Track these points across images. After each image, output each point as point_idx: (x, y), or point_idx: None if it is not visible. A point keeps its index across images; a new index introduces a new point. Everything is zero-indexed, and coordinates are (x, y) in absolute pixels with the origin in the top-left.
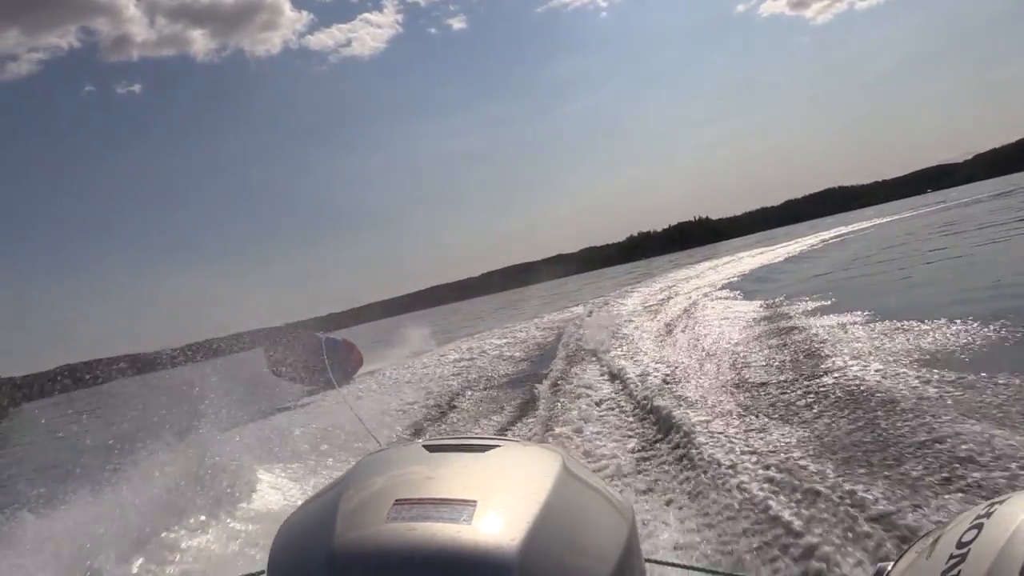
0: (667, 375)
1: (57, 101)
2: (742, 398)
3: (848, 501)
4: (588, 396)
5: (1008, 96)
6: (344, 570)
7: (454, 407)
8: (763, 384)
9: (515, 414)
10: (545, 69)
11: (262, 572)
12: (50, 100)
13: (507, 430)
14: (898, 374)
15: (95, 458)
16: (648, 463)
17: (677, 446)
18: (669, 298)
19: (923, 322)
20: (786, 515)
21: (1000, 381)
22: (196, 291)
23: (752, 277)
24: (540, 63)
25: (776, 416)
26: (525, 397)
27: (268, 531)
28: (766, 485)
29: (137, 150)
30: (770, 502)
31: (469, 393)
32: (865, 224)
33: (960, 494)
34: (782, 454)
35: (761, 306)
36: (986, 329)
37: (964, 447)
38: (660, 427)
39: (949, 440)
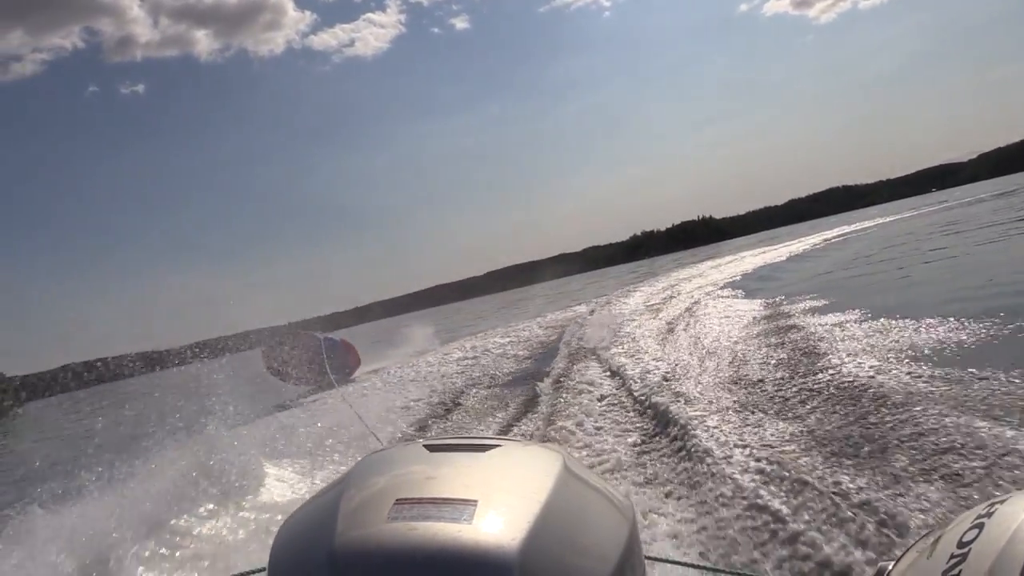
0: (667, 372)
1: (61, 101)
2: (740, 394)
3: (833, 490)
4: (590, 392)
5: (1011, 95)
6: (345, 569)
7: (457, 405)
8: (760, 381)
9: (517, 411)
10: (548, 69)
11: (262, 571)
12: (54, 100)
13: (510, 427)
14: (890, 371)
15: (103, 454)
16: (648, 456)
17: (675, 439)
18: (671, 297)
19: (917, 320)
20: (775, 504)
21: (986, 376)
22: (199, 290)
23: (754, 276)
24: (543, 63)
25: (771, 411)
26: (527, 395)
27: (275, 521)
28: (757, 476)
29: (141, 150)
30: (761, 491)
31: (472, 391)
32: (868, 224)
33: (941, 482)
34: (775, 447)
35: (762, 305)
36: (976, 327)
37: (947, 439)
38: (660, 422)
39: (934, 433)
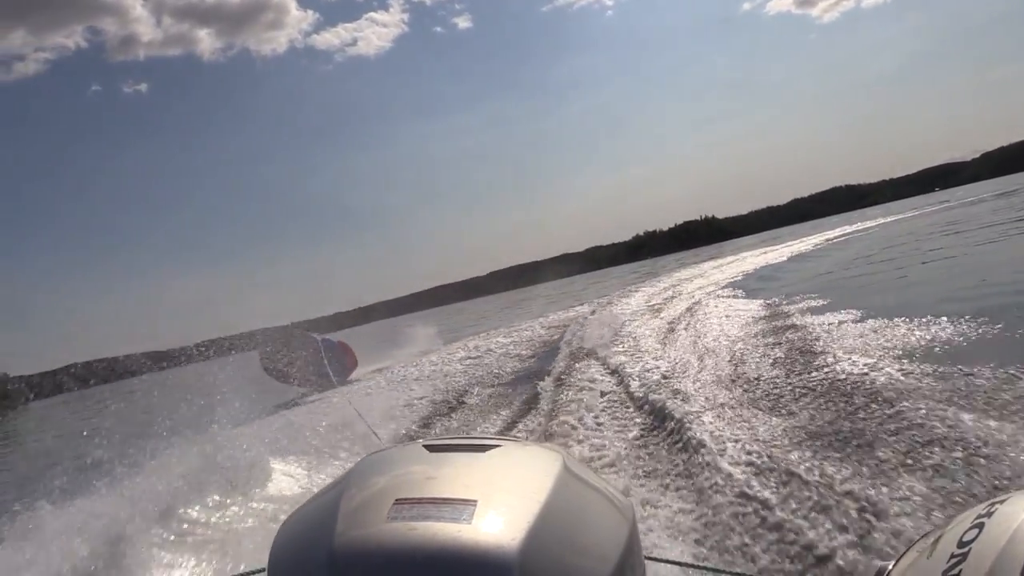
0: (667, 370)
1: (64, 101)
2: (737, 391)
3: (819, 480)
4: (590, 390)
5: (1013, 95)
6: (345, 569)
7: (460, 404)
8: (756, 379)
9: (519, 410)
10: (550, 68)
11: (263, 571)
12: (57, 100)
13: (513, 424)
14: (882, 368)
15: (110, 452)
16: (646, 449)
17: (673, 433)
18: (672, 297)
19: (911, 319)
20: (765, 493)
21: (972, 373)
22: (203, 291)
23: (755, 276)
24: (545, 62)
25: (766, 408)
26: (529, 393)
27: (283, 510)
28: (748, 468)
29: (144, 149)
30: (752, 481)
31: (475, 390)
32: (870, 224)
33: (921, 472)
34: (767, 441)
35: (762, 305)
36: (966, 326)
37: (931, 432)
38: (658, 417)
39: (919, 426)
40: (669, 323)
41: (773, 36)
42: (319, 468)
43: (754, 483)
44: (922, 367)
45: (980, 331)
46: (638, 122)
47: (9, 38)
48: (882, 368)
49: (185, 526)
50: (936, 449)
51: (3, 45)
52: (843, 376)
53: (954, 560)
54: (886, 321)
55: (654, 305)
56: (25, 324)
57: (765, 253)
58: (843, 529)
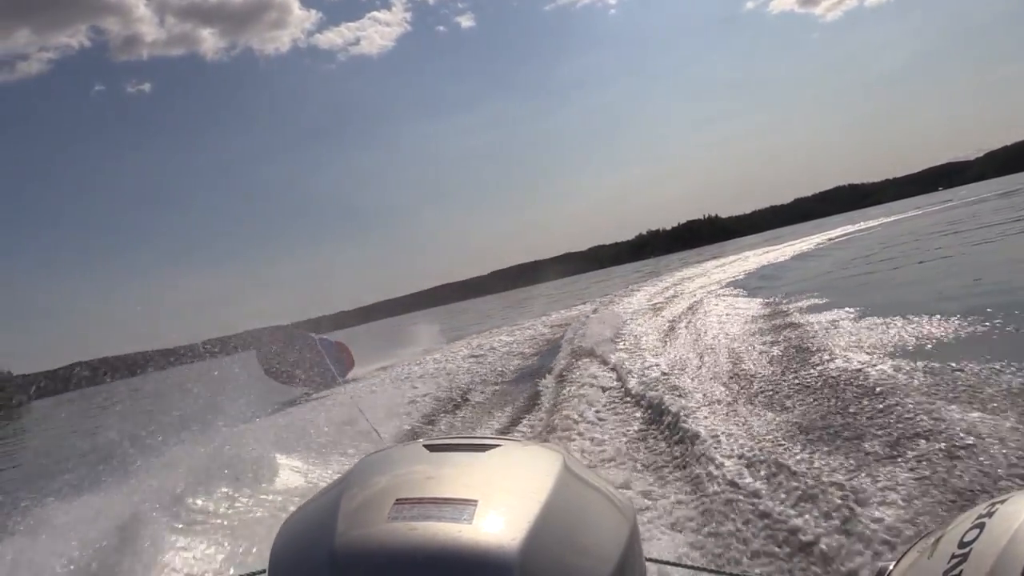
0: (667, 367)
1: (67, 100)
2: (734, 388)
3: (807, 471)
4: (591, 387)
5: (1017, 93)
6: (345, 569)
7: (463, 401)
8: (753, 376)
9: (521, 407)
10: (553, 67)
11: (263, 572)
12: (61, 99)
13: (515, 421)
14: (874, 365)
15: (116, 449)
16: (645, 443)
17: (671, 428)
18: (674, 296)
19: (904, 318)
20: (756, 484)
21: (961, 368)
22: (205, 291)
23: (757, 275)
24: (548, 61)
25: (761, 404)
26: (531, 391)
27: (292, 501)
28: (742, 460)
29: (147, 149)
30: (744, 472)
31: (478, 388)
32: (871, 223)
33: (902, 463)
34: (761, 435)
35: (762, 304)
36: (956, 323)
37: (920, 425)
38: (658, 413)
39: (907, 420)
40: (670, 321)
41: (776, 35)
42: (323, 464)
43: (746, 474)
44: (912, 363)
45: (970, 329)
46: (641, 121)
47: (13, 38)
48: (875, 364)
49: (195, 515)
50: (921, 442)
51: (7, 45)
52: (836, 373)
53: (955, 560)
54: (881, 319)
55: (656, 304)
56: (29, 323)
57: (767, 252)
58: (827, 516)
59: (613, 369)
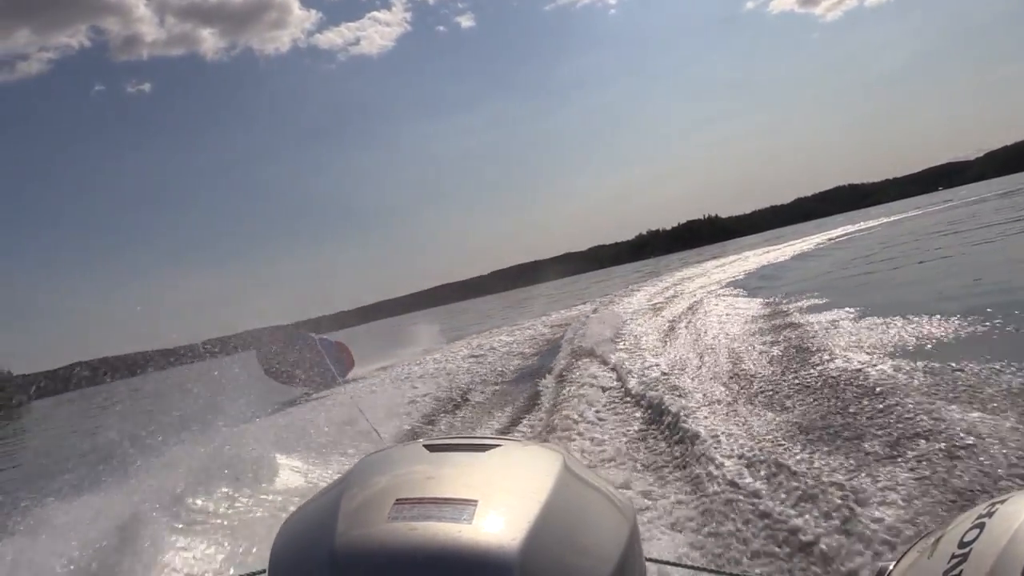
0: (666, 367)
1: (67, 100)
2: (734, 388)
3: (807, 471)
4: (591, 387)
5: (1017, 93)
6: (346, 569)
7: (463, 401)
8: (753, 376)
9: (521, 407)
10: (554, 67)
11: (263, 572)
12: (61, 99)
13: (515, 421)
14: (874, 365)
15: (118, 448)
16: (645, 442)
17: (670, 427)
18: (674, 296)
19: (904, 317)
20: (756, 484)
21: (962, 368)
22: (204, 291)
23: (757, 275)
24: (548, 61)
25: (761, 404)
26: (531, 391)
27: (292, 501)
28: (741, 460)
29: (147, 149)
30: (744, 471)
31: (477, 388)
32: (872, 223)
33: (902, 462)
34: (761, 434)
35: (762, 303)
36: (956, 323)
37: (920, 425)
38: (658, 413)
39: (907, 420)
40: (670, 321)
41: (776, 35)
42: (323, 464)
43: (746, 474)
44: (912, 363)
45: (970, 329)
46: (641, 121)
47: (13, 38)
48: (874, 364)
49: (195, 515)
50: (921, 442)
51: (7, 45)
52: (836, 373)
53: (955, 560)
54: (880, 319)
55: (656, 304)
56: (28, 323)
57: (767, 252)
58: (827, 516)
59: (613, 369)
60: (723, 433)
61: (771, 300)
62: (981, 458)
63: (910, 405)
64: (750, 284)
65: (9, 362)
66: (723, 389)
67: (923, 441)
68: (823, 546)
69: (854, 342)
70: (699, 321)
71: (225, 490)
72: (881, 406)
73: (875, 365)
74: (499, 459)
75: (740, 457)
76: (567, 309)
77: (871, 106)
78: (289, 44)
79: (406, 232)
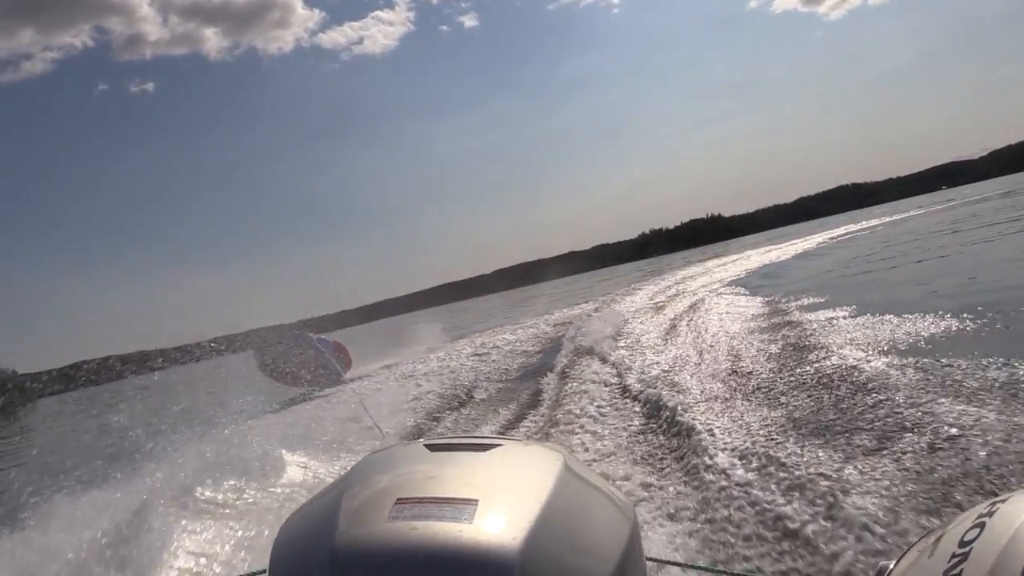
0: (667, 365)
1: (71, 100)
2: (732, 385)
3: (796, 463)
4: (593, 383)
5: (1021, 93)
6: (346, 568)
7: (467, 399)
8: (750, 373)
9: (524, 403)
10: (557, 67)
11: (264, 572)
12: (65, 99)
13: (519, 417)
14: (867, 361)
15: (126, 446)
16: (645, 437)
17: (669, 423)
18: (676, 295)
19: (900, 316)
20: (748, 475)
21: (951, 364)
22: (209, 290)
23: (759, 274)
24: (552, 61)
25: (757, 400)
26: (534, 388)
27: (300, 493)
28: (735, 453)
29: (151, 149)
30: (737, 464)
31: (481, 385)
32: (874, 222)
33: (886, 453)
34: (756, 430)
35: (762, 302)
36: (950, 321)
37: (908, 419)
38: (658, 410)
39: (896, 414)
40: (671, 320)
41: (780, 34)
42: (328, 459)
43: (739, 465)
44: (903, 360)
45: (961, 326)
46: (645, 121)
47: (17, 37)
48: (868, 361)
49: (201, 511)
50: (907, 435)
51: (11, 44)
52: (830, 370)
53: (955, 560)
54: (876, 317)
55: (658, 303)
56: (33, 322)
57: (769, 251)
58: (812, 503)
59: (614, 366)
60: (720, 428)
61: (771, 299)
62: (964, 449)
63: (900, 400)
64: (751, 283)
65: (13, 361)
66: (721, 386)
67: (909, 434)
68: (809, 531)
69: (849, 340)
70: (700, 319)
71: (232, 482)
72: (871, 401)
73: (868, 362)
74: (500, 459)
75: (734, 450)
76: (570, 308)
77: (875, 105)
78: (292, 44)
79: (409, 231)
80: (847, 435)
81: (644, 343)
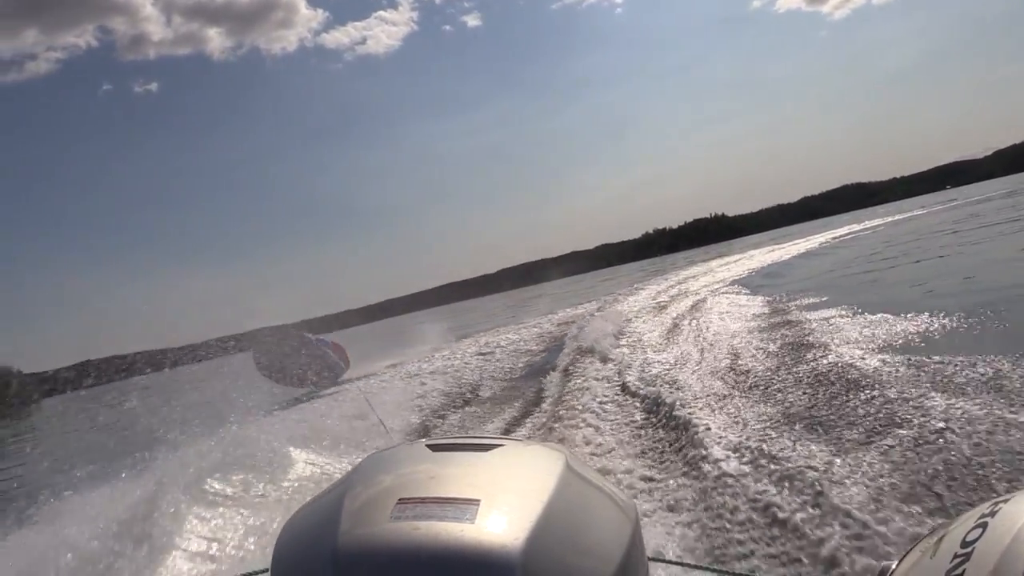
0: (668, 363)
1: (75, 100)
2: (731, 382)
3: (789, 456)
4: (596, 381)
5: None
6: (348, 568)
7: (472, 396)
8: (749, 371)
9: (528, 401)
10: (560, 66)
11: (265, 571)
12: (68, 99)
13: (521, 417)
14: (862, 359)
15: (129, 446)
16: (646, 432)
17: (669, 419)
18: (678, 294)
19: (897, 315)
20: (744, 468)
21: (942, 361)
22: (211, 290)
23: (761, 273)
24: (554, 60)
25: (755, 397)
26: (537, 386)
27: (308, 488)
28: (731, 448)
29: (154, 148)
30: (731, 457)
31: (486, 384)
32: (877, 222)
33: (874, 446)
34: (753, 425)
35: (763, 302)
36: (944, 320)
37: (898, 414)
38: (659, 406)
39: (887, 409)
40: (674, 319)
41: (784, 33)
42: (334, 457)
43: (733, 458)
44: (897, 357)
45: (955, 324)
46: (647, 121)
47: (21, 37)
48: (862, 359)
49: (205, 509)
50: (896, 429)
51: (15, 44)
52: (826, 367)
53: (958, 560)
54: (874, 316)
55: (660, 302)
56: (37, 322)
57: (772, 251)
58: (800, 493)
59: (616, 365)
60: (718, 424)
61: (772, 298)
62: (950, 443)
63: (891, 396)
64: (753, 282)
65: (18, 361)
66: (720, 383)
67: (898, 429)
68: (797, 519)
69: (846, 338)
70: (701, 319)
71: (241, 476)
72: (864, 397)
73: (863, 360)
74: (501, 459)
75: (731, 445)
76: (572, 307)
77: (879, 104)
78: (296, 43)
79: (412, 231)
80: (840, 430)
81: (646, 342)
